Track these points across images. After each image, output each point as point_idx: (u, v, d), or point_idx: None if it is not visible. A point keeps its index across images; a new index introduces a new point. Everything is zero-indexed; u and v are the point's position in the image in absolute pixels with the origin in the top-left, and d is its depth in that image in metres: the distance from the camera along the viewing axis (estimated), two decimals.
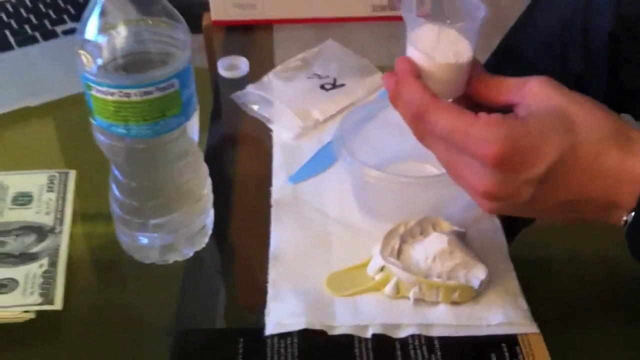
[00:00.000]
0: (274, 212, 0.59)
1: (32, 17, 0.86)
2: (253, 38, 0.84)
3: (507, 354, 0.49)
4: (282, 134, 0.67)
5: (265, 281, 0.54)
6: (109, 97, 0.47)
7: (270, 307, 0.52)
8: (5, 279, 0.54)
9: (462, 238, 0.54)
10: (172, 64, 0.47)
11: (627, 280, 0.57)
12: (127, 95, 0.46)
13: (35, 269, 0.55)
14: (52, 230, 0.58)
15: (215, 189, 0.58)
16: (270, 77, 0.74)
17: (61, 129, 0.74)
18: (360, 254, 0.54)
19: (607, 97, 0.46)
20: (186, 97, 0.49)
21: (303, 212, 0.59)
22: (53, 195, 0.62)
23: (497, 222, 0.58)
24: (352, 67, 0.75)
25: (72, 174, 0.64)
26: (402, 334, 0.50)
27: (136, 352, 0.52)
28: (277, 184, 0.62)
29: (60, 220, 0.59)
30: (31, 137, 0.73)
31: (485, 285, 0.52)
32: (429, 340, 0.49)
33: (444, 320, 0.51)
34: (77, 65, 0.48)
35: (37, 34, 0.83)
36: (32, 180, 0.63)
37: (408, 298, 0.51)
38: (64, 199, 0.61)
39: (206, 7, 0.84)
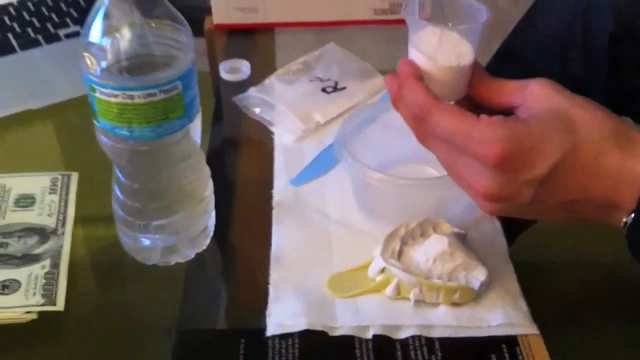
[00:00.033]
0: (275, 214, 0.60)
1: (34, 20, 0.86)
2: (254, 41, 0.84)
3: (507, 355, 0.49)
4: (284, 137, 0.68)
5: (266, 282, 0.54)
6: (113, 99, 0.47)
7: (272, 308, 0.52)
8: (7, 280, 0.54)
9: (462, 240, 0.55)
10: (175, 66, 0.48)
11: (626, 281, 0.57)
12: (131, 97, 0.47)
13: (37, 270, 0.55)
14: (54, 232, 0.59)
15: (217, 191, 0.58)
16: (272, 80, 0.74)
17: (63, 132, 0.74)
18: (361, 255, 0.55)
19: (607, 98, 0.47)
20: (189, 99, 0.49)
21: (304, 214, 0.60)
22: (55, 197, 0.62)
23: (497, 224, 0.58)
24: (353, 70, 0.75)
25: (75, 176, 0.64)
26: (403, 334, 0.50)
27: (138, 352, 0.52)
28: (278, 186, 0.62)
29: (62, 222, 0.60)
30: (33, 139, 0.73)
31: (486, 287, 0.52)
32: (430, 341, 0.50)
33: (445, 321, 0.51)
34: (81, 68, 0.48)
35: (40, 37, 0.83)
36: (35, 183, 0.63)
37: (409, 299, 0.52)
38: (66, 201, 0.62)
39: (208, 11, 0.85)
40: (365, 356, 0.49)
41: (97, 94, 0.48)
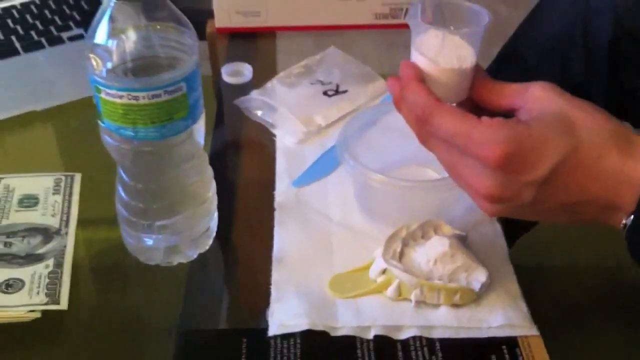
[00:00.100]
0: (277, 215, 0.60)
1: (38, 23, 0.86)
2: (256, 45, 0.85)
3: (507, 356, 0.49)
4: (286, 139, 0.68)
5: (268, 283, 0.54)
6: (118, 100, 0.48)
7: (274, 308, 0.52)
8: (11, 279, 0.55)
9: (463, 241, 0.55)
10: (179, 68, 0.48)
11: (626, 283, 0.57)
12: (136, 98, 0.47)
13: (41, 269, 0.55)
14: (57, 232, 0.59)
15: (219, 193, 0.58)
16: (273, 83, 0.74)
17: (66, 133, 0.75)
18: (363, 256, 0.55)
19: (608, 99, 0.47)
20: (193, 100, 0.50)
21: (306, 216, 0.60)
22: (59, 198, 0.62)
23: (497, 226, 0.59)
24: (355, 73, 0.76)
25: (78, 177, 0.65)
26: (404, 335, 0.51)
27: (140, 352, 0.52)
28: (280, 187, 0.63)
29: (66, 222, 0.60)
30: (37, 141, 0.74)
31: (486, 288, 0.53)
32: (430, 341, 0.50)
33: (445, 322, 0.51)
34: (87, 69, 0.48)
35: (43, 40, 0.84)
36: (38, 183, 0.64)
37: (409, 300, 0.52)
38: (69, 202, 0.62)
39: (210, 15, 0.85)
40: (367, 356, 0.49)
41: (103, 95, 0.48)
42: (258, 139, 0.70)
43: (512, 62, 0.71)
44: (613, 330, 0.53)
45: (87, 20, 0.86)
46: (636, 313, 0.54)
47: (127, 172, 0.53)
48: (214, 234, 0.58)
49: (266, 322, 0.51)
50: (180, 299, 0.55)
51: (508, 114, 0.47)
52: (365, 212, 0.60)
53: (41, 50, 0.83)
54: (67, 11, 0.88)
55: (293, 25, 0.85)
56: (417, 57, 0.47)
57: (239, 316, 0.55)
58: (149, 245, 0.56)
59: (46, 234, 0.59)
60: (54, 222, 0.60)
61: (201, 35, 0.85)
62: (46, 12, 0.88)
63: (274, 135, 0.69)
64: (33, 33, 0.85)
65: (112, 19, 0.48)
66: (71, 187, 0.63)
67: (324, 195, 0.62)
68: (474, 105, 0.49)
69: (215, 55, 0.84)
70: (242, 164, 0.69)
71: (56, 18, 0.87)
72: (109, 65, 0.48)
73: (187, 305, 0.54)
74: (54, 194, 0.63)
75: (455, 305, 0.52)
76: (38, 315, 0.52)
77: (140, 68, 0.48)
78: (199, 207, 0.56)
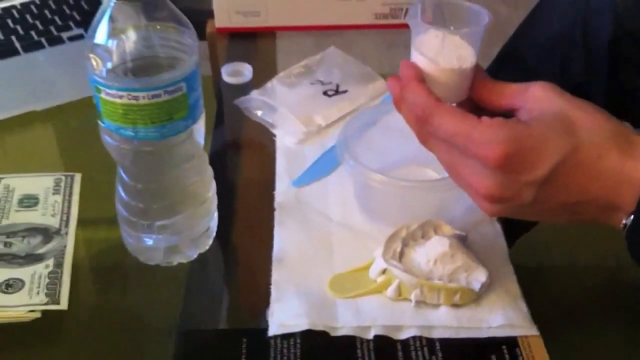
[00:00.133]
0: (277, 215, 0.60)
1: (38, 23, 0.86)
2: (256, 45, 0.85)
3: (507, 356, 0.49)
4: (286, 139, 0.68)
5: (268, 283, 0.54)
6: (118, 100, 0.48)
7: (274, 308, 0.52)
8: (11, 279, 0.55)
9: (463, 241, 0.55)
10: (179, 68, 0.48)
11: (626, 283, 0.57)
12: (136, 98, 0.47)
13: (41, 269, 0.55)
14: (57, 231, 0.59)
15: (219, 193, 0.58)
16: (273, 83, 0.74)
17: (66, 133, 0.75)
18: (363, 256, 0.55)
19: (608, 98, 0.47)
20: (193, 100, 0.50)
21: (306, 216, 0.60)
22: (59, 198, 0.62)
23: (497, 226, 0.59)
24: (355, 73, 0.76)
25: (78, 177, 0.65)
26: (404, 335, 0.51)
27: (140, 352, 0.52)
28: (280, 187, 0.63)
29: (66, 222, 0.60)
30: (37, 141, 0.74)
31: (486, 288, 0.53)
32: (430, 341, 0.50)
33: (445, 322, 0.51)
34: (87, 69, 0.48)
35: (43, 40, 0.84)
36: (38, 183, 0.64)
37: (409, 300, 0.52)
38: (69, 202, 0.62)
39: (210, 15, 0.85)
40: (367, 356, 0.49)
41: (103, 95, 0.48)
42: (258, 139, 0.70)
43: (512, 62, 0.71)
44: (613, 330, 0.53)
45: (87, 20, 0.86)
46: (636, 313, 0.54)
47: (127, 172, 0.53)
48: (214, 234, 0.58)
49: (266, 322, 0.51)
50: (180, 299, 0.55)
51: (508, 114, 0.47)
52: (365, 212, 0.60)
53: (41, 50, 0.83)
54: (67, 11, 0.88)
55: (293, 25, 0.85)
56: (417, 57, 0.48)
57: (239, 316, 0.55)
58: (149, 245, 0.56)
59: (46, 234, 0.59)
60: (54, 222, 0.60)
61: (201, 35, 0.85)
62: (46, 12, 0.88)
63: (274, 135, 0.69)
64: (33, 33, 0.85)
65: (112, 19, 0.48)
66: (71, 187, 0.63)
67: (324, 195, 0.62)
68: (474, 105, 0.49)
69: (215, 55, 0.84)
70: (242, 164, 0.69)
71: (56, 18, 0.87)
72: (109, 65, 0.48)
73: (187, 305, 0.54)
74: (54, 194, 0.63)
75: (455, 305, 0.52)
76: (38, 315, 0.52)
77: (140, 68, 0.48)
78: (199, 207, 0.56)
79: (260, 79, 0.75)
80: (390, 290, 0.52)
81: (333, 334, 0.50)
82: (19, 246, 0.58)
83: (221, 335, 0.52)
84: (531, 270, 0.58)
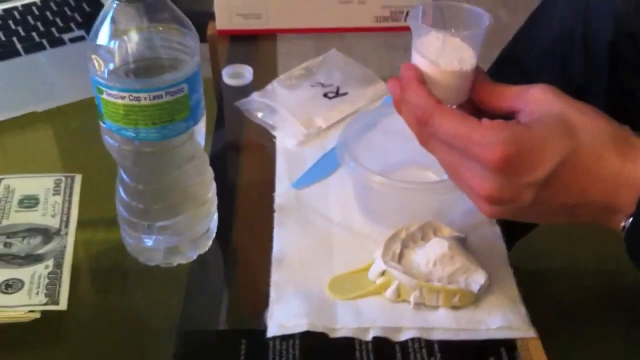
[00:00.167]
0: (277, 216, 0.60)
1: (39, 24, 0.87)
2: (257, 47, 0.85)
3: (505, 358, 0.49)
4: (286, 141, 0.68)
5: (267, 284, 0.54)
6: (119, 101, 0.48)
7: (273, 309, 0.52)
8: (11, 279, 0.55)
9: (462, 243, 0.55)
10: (181, 69, 0.49)
11: (625, 285, 0.57)
12: (137, 99, 0.47)
13: (40, 270, 0.55)
14: (57, 232, 0.59)
15: (219, 194, 0.58)
16: (274, 85, 0.75)
17: (67, 134, 0.75)
18: (362, 258, 0.55)
19: (608, 99, 0.48)
20: (195, 101, 0.50)
21: (306, 217, 0.60)
22: (59, 199, 0.62)
23: (496, 228, 0.59)
24: (355, 76, 0.76)
25: (78, 178, 0.65)
26: (403, 337, 0.51)
27: (139, 352, 0.52)
28: (280, 189, 0.63)
29: (66, 222, 0.60)
30: (37, 142, 0.74)
31: (485, 290, 0.53)
32: (429, 343, 0.50)
33: (444, 324, 0.51)
34: (89, 70, 0.49)
35: (44, 41, 0.84)
36: (39, 184, 0.64)
37: (409, 302, 0.52)
38: (69, 202, 0.62)
39: (211, 17, 0.85)
40: (365, 358, 0.49)
41: (104, 96, 0.48)
42: (258, 141, 0.70)
43: (512, 64, 0.71)
44: (611, 332, 0.54)
45: (88, 22, 0.86)
46: (635, 315, 0.54)
47: (128, 172, 0.54)
48: (214, 235, 0.58)
49: (265, 323, 0.51)
50: (180, 300, 0.55)
51: (508, 116, 0.47)
52: (365, 213, 0.60)
53: (42, 51, 0.83)
54: (69, 13, 0.89)
55: (294, 27, 0.85)
56: (417, 59, 0.48)
57: (239, 317, 0.56)
58: (148, 246, 0.56)
59: (46, 234, 0.59)
60: (54, 222, 0.60)
61: (202, 37, 0.85)
62: (47, 13, 0.89)
63: (274, 137, 0.69)
64: (34, 34, 0.85)
65: (114, 21, 0.48)
66: (71, 188, 0.64)
67: (323, 197, 0.62)
68: (475, 108, 0.49)
69: (216, 58, 0.84)
70: (243, 165, 0.69)
71: (57, 20, 0.87)
72: (111, 66, 0.48)
73: (187, 306, 0.54)
74: (54, 194, 0.63)
75: (454, 307, 0.52)
76: (37, 315, 0.52)
77: (142, 69, 0.48)
78: (200, 208, 0.56)
79: (260, 81, 0.76)
80: (390, 292, 0.53)
81: (332, 335, 0.50)
82: (19, 246, 0.58)
83: (220, 336, 0.52)
84: (530, 273, 0.58)
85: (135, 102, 0.48)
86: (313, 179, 0.64)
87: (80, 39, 0.84)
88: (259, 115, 0.72)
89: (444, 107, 0.45)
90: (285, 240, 0.58)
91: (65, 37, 0.85)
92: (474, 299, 0.52)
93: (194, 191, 0.55)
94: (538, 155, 0.43)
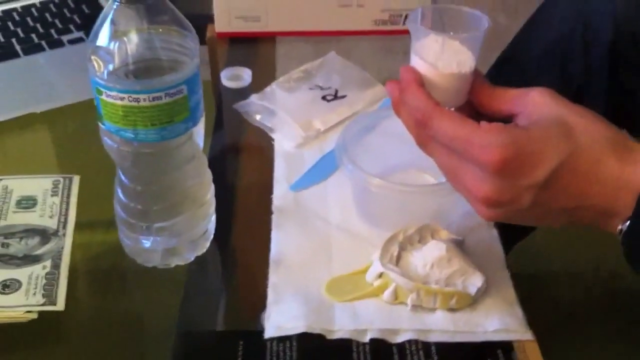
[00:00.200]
0: (275, 218, 0.60)
1: (38, 26, 0.87)
2: (256, 50, 0.85)
3: None
4: (284, 143, 0.69)
5: (265, 285, 0.54)
6: (119, 102, 0.48)
7: (271, 311, 0.52)
8: (8, 279, 0.55)
9: (459, 246, 0.55)
10: (181, 70, 0.49)
11: (622, 288, 0.58)
12: (137, 100, 0.48)
13: (38, 270, 0.55)
14: (55, 233, 0.59)
15: (218, 195, 0.58)
16: (273, 88, 0.75)
17: (65, 136, 0.75)
18: (360, 260, 0.55)
19: (609, 98, 0.48)
20: (194, 103, 0.50)
21: (304, 219, 0.60)
22: (57, 200, 0.62)
23: (494, 231, 0.59)
24: (354, 79, 0.76)
25: (76, 179, 0.65)
26: (400, 339, 0.51)
27: (137, 353, 0.52)
28: (278, 191, 0.63)
29: (63, 223, 0.60)
30: (36, 143, 0.74)
31: (482, 293, 0.53)
32: (426, 345, 0.50)
33: (442, 326, 0.51)
34: (89, 71, 0.49)
35: (43, 43, 0.84)
36: (37, 185, 0.64)
37: (406, 304, 0.52)
38: (67, 203, 0.62)
39: (210, 19, 0.86)
40: (363, 359, 0.49)
41: (104, 97, 0.48)
42: (257, 143, 0.70)
43: (512, 64, 0.71)
44: (608, 335, 0.54)
45: (87, 23, 0.86)
46: (632, 319, 0.54)
47: (127, 174, 0.54)
48: (212, 236, 0.58)
49: (263, 324, 0.51)
50: (178, 301, 0.55)
51: (507, 119, 0.47)
52: (363, 215, 0.60)
53: (41, 53, 0.83)
54: (68, 14, 0.89)
55: (293, 30, 0.86)
56: (416, 62, 0.48)
57: (236, 318, 0.55)
58: (146, 247, 0.56)
59: (44, 235, 0.59)
60: (51, 223, 0.60)
61: (201, 39, 0.85)
62: (47, 15, 0.89)
63: (273, 139, 0.69)
64: (33, 36, 0.85)
65: (114, 22, 0.48)
66: (69, 189, 0.64)
67: (322, 199, 0.62)
68: (473, 110, 0.49)
69: (215, 60, 0.84)
70: (241, 167, 0.69)
71: (56, 21, 0.87)
72: (111, 67, 0.48)
73: (185, 307, 0.54)
74: (52, 195, 0.63)
75: (452, 310, 0.52)
76: (35, 316, 0.52)
77: (141, 70, 0.48)
78: (198, 210, 0.56)
79: (259, 84, 0.76)
80: (387, 294, 0.53)
81: (329, 337, 0.51)
82: (17, 247, 0.58)
83: (218, 337, 0.52)
84: (527, 276, 0.58)
85: (134, 103, 0.48)
86: (311, 181, 0.64)
87: (79, 40, 0.84)
88: (258, 117, 0.72)
89: (443, 109, 0.45)
90: (283, 242, 0.58)
91: (64, 38, 0.85)
92: (471, 302, 0.52)
93: (192, 192, 0.55)
94: (536, 157, 0.43)
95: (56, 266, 0.56)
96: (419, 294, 0.52)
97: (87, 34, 0.49)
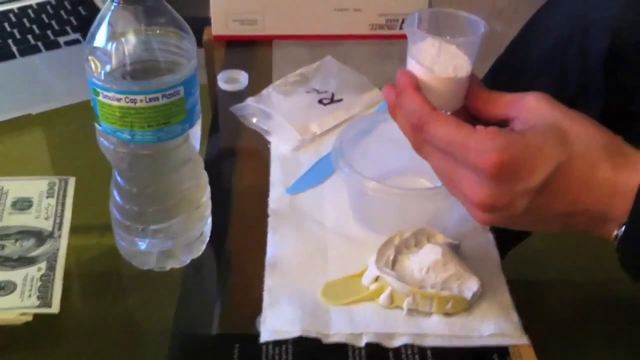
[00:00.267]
0: (270, 221, 0.60)
1: (35, 27, 0.87)
2: (253, 53, 0.85)
3: None
4: (280, 146, 0.69)
5: (261, 289, 0.54)
6: (115, 103, 0.48)
7: (266, 314, 0.52)
8: (3, 281, 0.54)
9: (455, 250, 0.55)
10: (178, 72, 0.49)
11: (617, 294, 0.58)
12: (133, 101, 0.47)
13: (33, 272, 0.55)
14: (51, 235, 0.59)
15: (214, 198, 0.58)
16: (269, 91, 0.75)
17: (61, 137, 0.75)
18: (356, 263, 0.55)
19: (607, 99, 0.47)
20: (191, 104, 0.50)
21: (300, 222, 0.60)
22: (52, 201, 0.62)
23: (490, 236, 0.59)
24: (350, 83, 0.76)
25: (72, 181, 0.65)
26: (396, 343, 0.51)
27: (133, 356, 0.52)
28: (274, 194, 0.63)
29: (59, 225, 0.60)
30: (32, 144, 0.74)
31: (478, 297, 0.53)
32: (422, 350, 0.50)
33: (437, 330, 0.51)
34: (86, 71, 0.49)
35: (40, 44, 0.84)
36: (32, 186, 0.64)
37: (402, 308, 0.52)
38: (63, 205, 0.62)
39: (207, 22, 0.86)
40: None
41: (100, 97, 0.48)
42: (253, 146, 0.70)
43: (508, 70, 0.72)
44: (604, 340, 0.54)
45: (83, 25, 0.86)
46: (626, 324, 0.54)
47: (123, 175, 0.54)
48: (208, 239, 0.58)
49: (258, 328, 0.51)
50: (173, 304, 0.54)
51: (502, 123, 0.47)
52: (360, 219, 0.60)
53: (38, 54, 0.83)
54: (64, 16, 0.89)
55: (290, 34, 0.86)
56: (413, 66, 0.48)
57: (232, 322, 0.55)
58: (142, 249, 0.56)
59: (39, 236, 0.59)
60: (47, 225, 0.60)
61: (198, 42, 0.85)
62: (43, 16, 0.89)
63: (269, 143, 0.69)
64: (30, 37, 0.85)
65: (112, 23, 0.48)
66: (65, 191, 0.63)
67: (318, 203, 0.62)
68: (469, 115, 0.49)
69: (212, 63, 0.84)
70: (237, 170, 0.69)
71: (53, 22, 0.87)
72: (108, 68, 0.48)
73: (180, 310, 0.54)
74: (47, 197, 0.63)
75: (447, 314, 0.52)
76: (29, 318, 0.52)
77: (138, 71, 0.48)
78: (194, 212, 0.56)
79: (256, 87, 0.76)
80: (383, 298, 0.53)
81: (325, 340, 0.50)
82: (12, 248, 0.57)
83: (213, 340, 0.52)
84: (522, 280, 0.58)
85: (131, 104, 0.48)
86: (307, 184, 0.64)
87: (76, 42, 0.84)
88: (254, 120, 0.72)
89: (439, 113, 0.45)
90: (279, 245, 0.58)
91: (61, 40, 0.85)
92: (467, 306, 0.52)
93: (188, 195, 0.55)
94: (532, 162, 0.43)
95: (51, 268, 0.56)
96: (414, 298, 0.52)
97: (84, 35, 0.49)
